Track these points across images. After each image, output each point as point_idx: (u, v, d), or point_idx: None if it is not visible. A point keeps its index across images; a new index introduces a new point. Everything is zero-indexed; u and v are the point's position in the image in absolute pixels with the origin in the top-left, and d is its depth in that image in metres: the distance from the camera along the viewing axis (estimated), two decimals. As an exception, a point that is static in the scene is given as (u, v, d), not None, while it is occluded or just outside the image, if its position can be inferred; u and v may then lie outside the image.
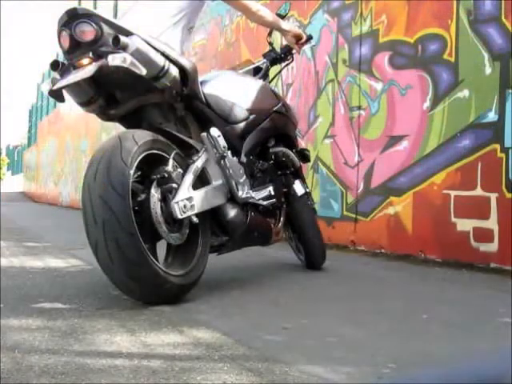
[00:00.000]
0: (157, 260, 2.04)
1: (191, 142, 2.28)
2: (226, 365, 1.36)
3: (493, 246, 2.95)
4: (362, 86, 3.94)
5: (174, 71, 2.16)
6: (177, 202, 2.05)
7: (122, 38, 2.01)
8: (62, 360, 1.38)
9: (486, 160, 3.01)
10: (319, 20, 4.44)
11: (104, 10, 9.83)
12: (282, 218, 2.77)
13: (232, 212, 2.34)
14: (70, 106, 11.25)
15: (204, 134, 2.33)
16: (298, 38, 2.79)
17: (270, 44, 2.95)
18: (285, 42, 3.02)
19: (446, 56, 3.29)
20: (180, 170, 2.15)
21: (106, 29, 2.05)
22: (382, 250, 3.69)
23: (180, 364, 1.36)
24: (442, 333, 1.71)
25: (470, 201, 3.09)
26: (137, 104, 2.21)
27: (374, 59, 3.83)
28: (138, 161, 1.99)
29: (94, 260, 1.97)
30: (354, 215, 3.98)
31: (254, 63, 2.98)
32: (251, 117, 2.57)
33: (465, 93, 3.16)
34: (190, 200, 2.11)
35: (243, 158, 2.53)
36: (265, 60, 2.93)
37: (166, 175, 2.07)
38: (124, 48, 2.02)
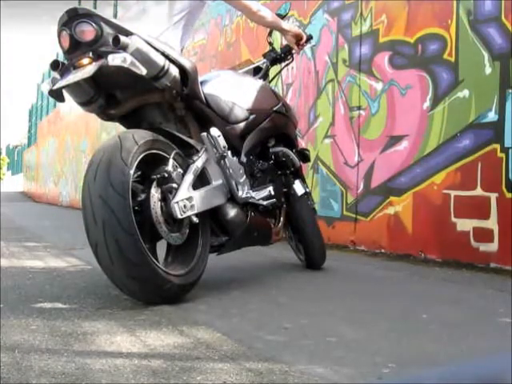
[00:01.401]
0: (157, 260, 2.04)
1: (191, 141, 2.28)
2: (225, 365, 1.36)
3: (493, 246, 2.95)
4: (362, 86, 3.94)
5: (174, 71, 2.16)
6: (177, 202, 2.05)
7: (122, 38, 2.01)
8: (62, 360, 1.38)
9: (486, 160, 3.01)
10: (319, 20, 4.44)
11: (104, 10, 9.82)
12: (281, 218, 2.77)
13: (232, 212, 2.34)
14: (70, 106, 11.25)
15: (204, 134, 2.33)
16: (298, 37, 2.79)
17: (270, 44, 2.95)
18: (285, 42, 3.03)
19: (446, 56, 3.29)
20: (180, 169, 2.15)
21: (106, 29, 2.05)
22: (382, 250, 3.69)
23: (180, 364, 1.36)
24: (442, 333, 1.71)
25: (470, 201, 3.09)
26: (137, 104, 2.21)
27: (374, 59, 3.83)
28: (138, 161, 1.99)
29: (94, 260, 1.97)
30: (354, 215, 3.98)
31: (253, 63, 2.99)
32: (251, 117, 2.57)
33: (465, 93, 3.16)
34: (190, 200, 2.11)
35: (243, 158, 2.53)
36: (265, 60, 2.93)
37: (166, 175, 2.07)
38: (124, 48, 2.02)
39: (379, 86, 3.78)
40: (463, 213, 3.14)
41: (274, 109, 2.75)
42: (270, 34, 2.97)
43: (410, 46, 3.53)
